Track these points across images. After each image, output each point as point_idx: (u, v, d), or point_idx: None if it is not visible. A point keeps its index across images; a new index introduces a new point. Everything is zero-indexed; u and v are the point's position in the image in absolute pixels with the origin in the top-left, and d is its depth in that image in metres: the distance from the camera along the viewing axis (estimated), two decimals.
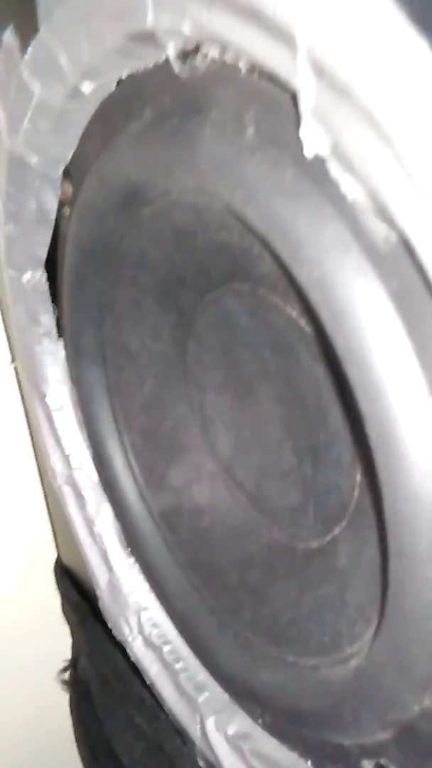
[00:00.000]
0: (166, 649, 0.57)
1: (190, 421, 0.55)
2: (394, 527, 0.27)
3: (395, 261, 0.25)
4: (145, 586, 0.59)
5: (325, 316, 0.27)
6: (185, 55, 0.33)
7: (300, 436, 0.46)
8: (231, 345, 0.50)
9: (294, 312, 0.40)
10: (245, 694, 0.47)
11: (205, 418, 0.54)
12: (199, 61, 0.32)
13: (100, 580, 0.62)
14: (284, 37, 0.24)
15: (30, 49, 0.41)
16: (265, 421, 0.49)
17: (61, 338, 0.57)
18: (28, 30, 0.41)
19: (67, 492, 0.62)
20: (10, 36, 0.44)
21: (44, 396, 0.60)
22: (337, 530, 0.42)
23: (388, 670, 0.31)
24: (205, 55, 0.31)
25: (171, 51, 0.32)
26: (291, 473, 0.47)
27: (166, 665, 0.57)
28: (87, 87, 0.41)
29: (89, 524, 0.62)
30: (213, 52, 0.31)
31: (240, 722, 0.50)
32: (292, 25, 0.23)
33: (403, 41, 0.20)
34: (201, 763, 0.52)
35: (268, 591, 0.46)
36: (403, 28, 0.20)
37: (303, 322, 0.40)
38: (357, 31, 0.21)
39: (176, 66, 0.32)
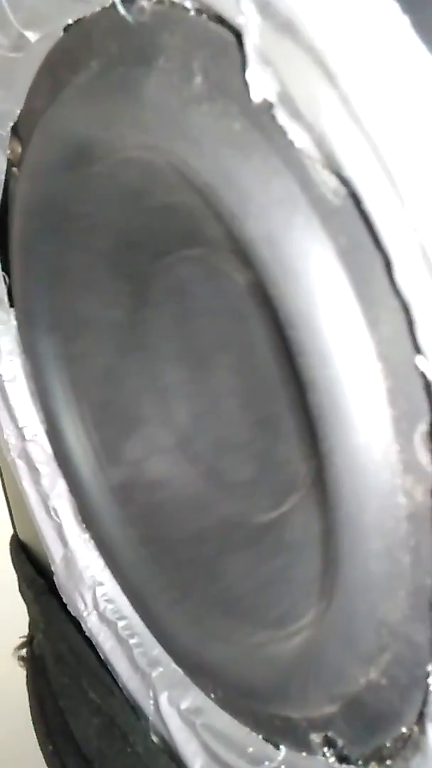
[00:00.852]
0: (120, 624, 0.56)
1: (147, 392, 0.53)
2: (339, 498, 0.26)
3: (345, 216, 0.24)
4: (100, 561, 0.57)
5: (270, 275, 0.26)
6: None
7: (256, 407, 0.45)
8: (187, 313, 0.48)
9: (248, 277, 0.39)
10: (197, 669, 0.46)
11: (161, 389, 0.53)
12: (144, 2, 0.30)
13: (55, 555, 0.60)
14: None
15: None
16: (222, 392, 0.48)
17: (12, 307, 0.55)
18: None
19: (20, 465, 0.60)
20: None
21: None
22: (290, 503, 0.41)
23: (334, 644, 0.30)
24: None
25: None
26: (247, 446, 0.46)
27: (121, 641, 0.56)
28: (33, 34, 0.39)
29: (44, 498, 0.60)
30: None
31: (193, 697, 0.49)
32: None
33: None
34: (154, 738, 0.51)
35: (222, 565, 0.46)
36: None
37: (257, 288, 0.38)
38: None
39: (121, 8, 0.30)
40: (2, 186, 0.49)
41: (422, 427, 0.23)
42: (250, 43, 0.23)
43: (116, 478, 0.54)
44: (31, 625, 0.72)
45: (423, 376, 0.21)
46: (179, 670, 0.50)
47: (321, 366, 0.25)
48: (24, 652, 0.75)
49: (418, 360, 0.21)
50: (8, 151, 0.48)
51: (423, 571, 0.26)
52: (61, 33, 0.38)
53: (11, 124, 0.46)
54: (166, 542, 0.50)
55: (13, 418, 0.60)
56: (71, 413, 0.55)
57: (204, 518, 0.48)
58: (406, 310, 0.21)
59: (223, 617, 0.44)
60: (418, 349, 0.21)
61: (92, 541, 0.58)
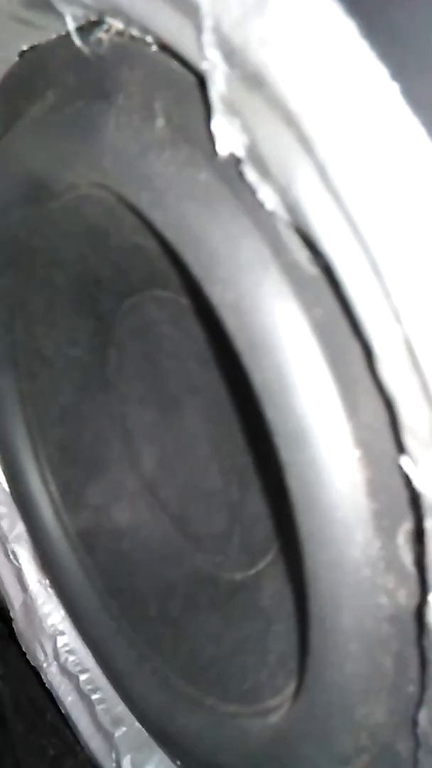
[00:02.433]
0: (82, 677, 0.52)
1: (112, 434, 0.50)
2: (314, 591, 0.24)
3: (321, 286, 0.21)
4: (62, 609, 0.54)
5: (240, 345, 0.23)
6: (88, 27, 0.28)
7: (228, 455, 0.43)
8: (155, 354, 0.45)
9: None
10: (162, 736, 0.43)
11: (127, 432, 0.50)
12: (102, 34, 0.27)
13: (14, 600, 0.57)
14: (189, 10, 0.19)
15: None
16: (192, 438, 0.45)
17: None
18: None
19: None
20: None
21: None
22: (261, 564, 0.38)
23: (307, 740, 0.28)
24: (109, 28, 0.26)
25: (70, 21, 0.27)
26: (218, 495, 0.43)
27: (82, 695, 0.52)
28: None
29: (2, 540, 0.57)
30: (117, 25, 0.26)
31: (158, 762, 0.46)
32: None
33: (332, 25, 0.15)
34: None
35: (189, 625, 0.43)
36: (333, 10, 0.15)
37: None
38: (277, 8, 0.16)
39: (76, 38, 0.27)
40: None
41: (406, 526, 0.21)
42: (215, 91, 0.20)
43: (79, 523, 0.51)
44: None
45: (407, 476, 0.19)
46: (144, 730, 0.47)
47: (295, 449, 0.22)
48: None
49: (403, 460, 0.18)
50: None
51: (406, 678, 0.23)
52: (16, 58, 0.35)
53: None
54: (131, 594, 0.47)
55: None
56: (30, 452, 0.51)
57: (171, 571, 0.45)
58: (388, 403, 0.18)
59: (190, 682, 0.41)
60: (401, 448, 0.18)
61: (53, 588, 0.54)
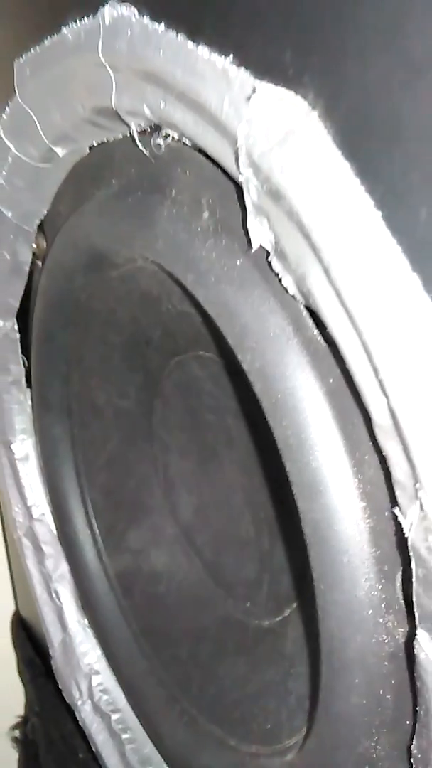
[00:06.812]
0: (114, 717, 0.55)
1: (153, 481, 0.54)
2: (325, 630, 0.26)
3: (331, 359, 0.25)
4: (98, 649, 0.57)
5: (265, 405, 0.27)
6: (148, 132, 0.33)
7: (260, 506, 0.46)
8: (197, 409, 0.49)
9: None
10: None
11: (168, 480, 0.53)
12: (160, 140, 0.32)
13: (54, 638, 0.60)
14: (229, 136, 0.24)
15: (7, 110, 0.42)
16: (227, 488, 0.49)
17: (29, 388, 0.57)
18: (3, 93, 0.42)
19: (26, 544, 0.60)
20: None
21: (9, 444, 0.59)
22: (287, 612, 0.41)
23: None
24: (166, 136, 0.31)
25: (133, 129, 0.32)
26: (249, 545, 0.46)
27: (113, 734, 0.54)
28: (61, 150, 0.41)
29: (46, 579, 0.60)
30: (173, 134, 0.31)
31: None
32: (234, 125, 0.23)
33: (333, 165, 0.20)
34: None
35: (217, 668, 0.45)
36: (334, 153, 0.19)
37: None
38: (293, 148, 0.21)
39: (138, 143, 0.33)
40: (27, 276, 0.52)
41: (403, 571, 0.24)
42: (249, 198, 0.24)
43: (118, 565, 0.54)
44: (27, 706, 0.71)
45: (399, 525, 0.22)
46: None
47: (309, 498, 0.26)
48: (18, 733, 0.73)
49: (396, 511, 0.22)
50: (34, 245, 0.51)
51: (404, 713, 0.25)
52: (87, 150, 0.41)
53: (38, 221, 0.49)
54: (163, 636, 0.50)
55: (22, 497, 0.61)
56: (78, 497, 0.55)
57: (203, 616, 0.48)
58: (383, 460, 0.22)
59: (216, 723, 0.43)
60: (394, 501, 0.22)
61: (91, 628, 0.57)
